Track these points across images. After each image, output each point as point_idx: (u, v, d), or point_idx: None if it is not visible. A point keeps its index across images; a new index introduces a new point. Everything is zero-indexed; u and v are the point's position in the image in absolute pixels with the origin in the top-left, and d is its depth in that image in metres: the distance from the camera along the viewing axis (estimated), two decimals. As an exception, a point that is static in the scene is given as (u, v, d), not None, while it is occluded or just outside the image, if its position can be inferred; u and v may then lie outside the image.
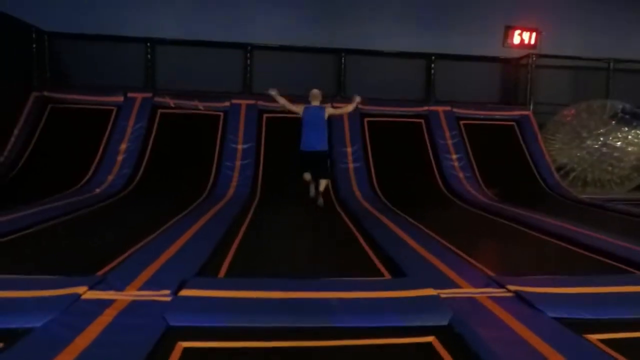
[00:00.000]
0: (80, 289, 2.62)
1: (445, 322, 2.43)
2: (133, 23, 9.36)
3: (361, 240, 4.42)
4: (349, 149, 8.51)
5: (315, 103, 4.86)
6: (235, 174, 7.86)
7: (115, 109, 8.64)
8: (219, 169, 7.93)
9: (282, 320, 2.39)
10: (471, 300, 2.73)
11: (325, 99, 9.42)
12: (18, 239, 4.01)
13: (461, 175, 8.44)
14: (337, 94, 9.81)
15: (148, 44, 9.41)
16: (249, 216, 5.53)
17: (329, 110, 4.87)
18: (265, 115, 8.92)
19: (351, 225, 5.13)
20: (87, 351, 2.00)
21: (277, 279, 3.06)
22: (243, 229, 4.76)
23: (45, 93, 8.71)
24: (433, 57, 10.05)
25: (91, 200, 6.21)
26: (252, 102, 9.10)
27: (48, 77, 9.11)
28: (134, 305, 2.51)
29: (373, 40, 9.93)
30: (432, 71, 10.11)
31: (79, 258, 3.60)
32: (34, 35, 8.83)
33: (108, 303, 2.50)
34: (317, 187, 5.05)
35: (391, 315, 2.49)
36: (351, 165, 8.27)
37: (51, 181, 7.00)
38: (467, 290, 2.93)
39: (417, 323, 2.42)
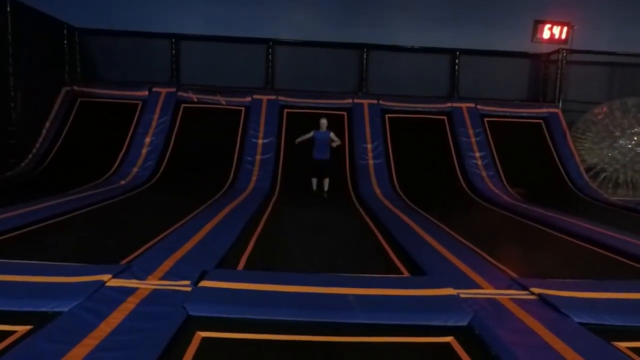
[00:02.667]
0: (104, 277, 2.71)
1: (465, 323, 2.38)
2: (159, 19, 9.56)
3: (380, 238, 4.38)
4: (369, 145, 8.44)
5: (323, 129, 6.61)
6: (256, 168, 7.93)
7: (140, 103, 8.88)
8: (240, 163, 8.03)
9: (299, 315, 2.40)
10: (492, 302, 2.66)
11: (346, 95, 9.45)
12: (47, 227, 4.19)
13: (484, 174, 8.24)
14: (359, 90, 9.75)
15: (173, 40, 9.59)
16: (269, 210, 5.57)
17: (332, 135, 6.66)
18: (286, 110, 8.96)
19: (370, 222, 5.10)
20: (110, 337, 2.07)
21: (295, 273, 3.07)
22: (262, 222, 4.80)
23: (75, 87, 9.04)
24: (457, 53, 9.81)
25: (116, 191, 6.41)
26: (273, 97, 9.15)
27: (78, 72, 9.44)
28: (156, 294, 2.57)
29: (396, 35, 9.78)
30: (456, 67, 9.88)
31: (104, 247, 3.72)
32: (65, 32, 9.15)
33: (131, 291, 2.58)
34: (323, 185, 6.63)
35: (409, 313, 2.46)
36: (371, 162, 8.21)
37: (79, 172, 7.27)
38: (488, 291, 2.85)
39: (436, 322, 2.38)
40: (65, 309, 2.31)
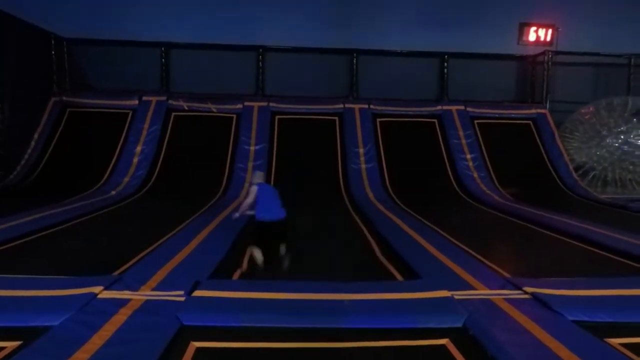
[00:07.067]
0: (96, 289, 2.67)
1: (459, 324, 2.38)
2: (148, 28, 9.53)
3: (373, 242, 4.38)
4: (361, 150, 8.47)
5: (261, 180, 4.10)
6: (248, 176, 7.90)
7: (130, 112, 8.82)
8: (232, 170, 7.99)
9: (294, 322, 2.39)
10: (486, 302, 2.68)
11: (337, 100, 9.50)
12: (37, 240, 4.12)
13: (476, 175, 8.31)
14: (349, 95, 9.80)
15: (162, 48, 9.57)
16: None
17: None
18: (277, 117, 8.96)
19: (364, 227, 5.10)
20: (103, 349, 2.03)
21: (289, 280, 3.05)
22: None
23: (64, 98, 8.95)
24: (446, 56, 9.94)
25: (107, 201, 6.34)
26: (264, 103, 9.16)
27: (67, 82, 9.36)
28: (149, 305, 2.54)
29: (385, 39, 9.87)
30: (445, 70, 9.99)
31: (95, 258, 3.66)
32: (52, 42, 9.09)
33: (123, 302, 2.54)
34: (279, 251, 3.76)
35: (404, 316, 2.46)
36: (363, 166, 8.24)
37: (69, 183, 7.18)
38: (482, 292, 2.87)
39: (431, 325, 2.38)
40: (56, 323, 2.27)
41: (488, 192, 7.77)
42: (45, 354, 1.97)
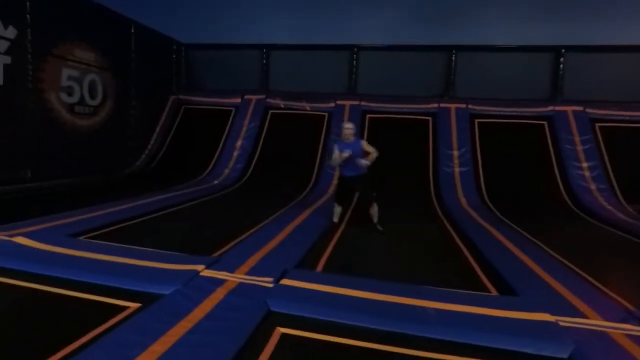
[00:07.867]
0: (199, 267, 2.99)
1: (564, 355, 2.10)
2: (250, 32, 10.35)
3: (465, 251, 4.11)
4: (456, 152, 7.99)
5: (350, 139, 4.57)
6: (336, 172, 8.04)
7: (233, 109, 9.68)
8: (322, 166, 8.23)
9: (376, 322, 2.36)
10: (601, 335, 2.31)
11: (431, 99, 9.09)
12: (154, 219, 4.77)
13: (593, 187, 7.22)
14: (445, 94, 9.32)
15: (264, 50, 10.26)
16: (348, 214, 5.60)
17: (364, 143, 4.64)
18: (368, 116, 8.95)
19: (454, 234, 4.81)
20: (202, 322, 2.27)
21: (374, 280, 3.03)
22: (342, 226, 4.84)
23: (181, 96, 10.22)
24: (563, 50, 8.80)
25: (210, 190, 7.05)
26: (356, 102, 9.21)
27: (183, 82, 10.64)
28: (241, 287, 2.75)
29: (488, 33, 9.14)
30: (561, 66, 8.85)
31: (198, 239, 4.10)
32: (174, 47, 10.41)
33: (220, 282, 2.80)
34: (371, 216, 4.70)
35: (495, 335, 2.25)
36: (457, 170, 7.76)
37: (181, 171, 8.17)
38: (595, 322, 2.48)
39: (529, 350, 2.14)
40: (167, 292, 2.61)
41: (609, 207, 6.69)
42: (159, 318, 2.28)
